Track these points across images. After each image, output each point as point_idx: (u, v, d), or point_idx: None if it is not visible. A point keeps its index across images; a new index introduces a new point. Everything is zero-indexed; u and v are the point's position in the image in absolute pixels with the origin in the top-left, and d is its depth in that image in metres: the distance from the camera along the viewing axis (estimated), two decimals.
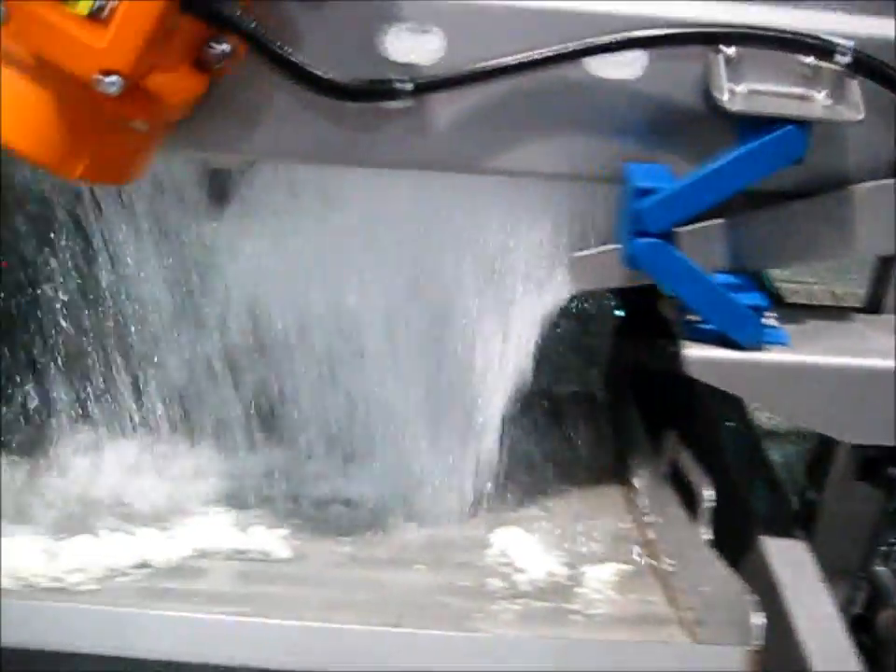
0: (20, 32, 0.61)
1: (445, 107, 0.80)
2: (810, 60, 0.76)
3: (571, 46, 0.75)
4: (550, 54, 0.75)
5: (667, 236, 0.78)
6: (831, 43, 0.73)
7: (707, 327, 0.83)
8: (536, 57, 0.75)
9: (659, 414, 1.14)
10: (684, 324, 0.85)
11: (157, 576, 0.92)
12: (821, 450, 0.99)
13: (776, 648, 0.79)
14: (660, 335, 1.24)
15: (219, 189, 0.92)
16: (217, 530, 0.99)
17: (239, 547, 0.97)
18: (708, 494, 0.89)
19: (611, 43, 0.75)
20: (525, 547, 0.98)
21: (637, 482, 1.09)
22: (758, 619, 0.75)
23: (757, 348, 0.82)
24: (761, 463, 1.07)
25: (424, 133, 0.81)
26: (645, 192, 0.77)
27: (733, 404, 1.18)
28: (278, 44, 0.70)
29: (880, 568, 1.15)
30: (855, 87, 0.75)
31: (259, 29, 0.68)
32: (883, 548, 1.13)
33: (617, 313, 1.26)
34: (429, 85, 0.76)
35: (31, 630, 0.78)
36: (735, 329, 0.81)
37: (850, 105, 0.75)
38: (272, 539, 0.98)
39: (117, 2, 0.60)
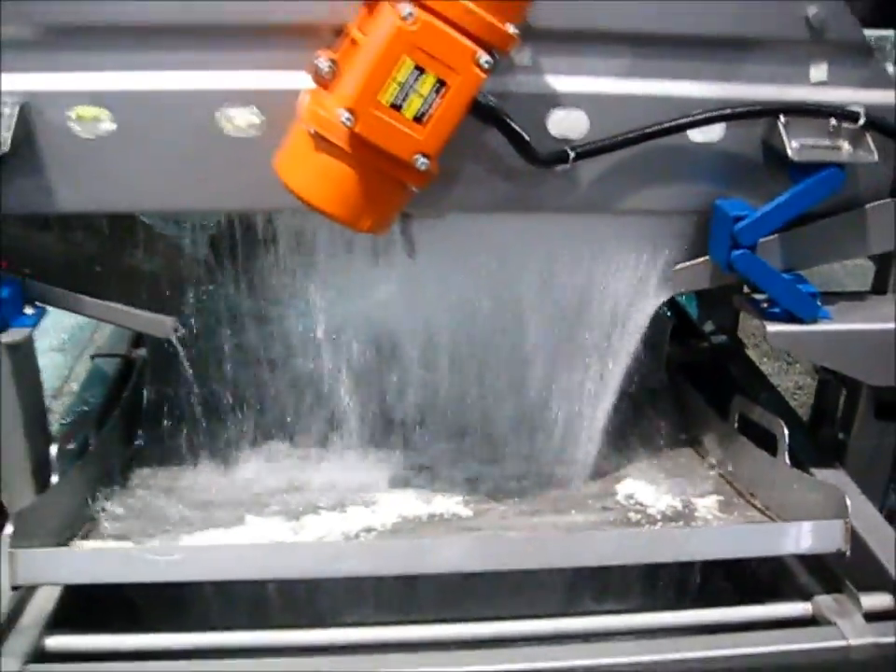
0: (367, 129, 0.90)
1: (588, 166, 1.13)
2: (835, 122, 1.12)
3: (684, 120, 1.09)
4: (668, 126, 1.09)
5: (753, 248, 1.13)
6: (852, 112, 1.09)
7: (776, 309, 1.18)
8: (658, 129, 1.09)
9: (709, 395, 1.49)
10: (756, 306, 1.20)
11: (383, 536, 1.19)
12: (838, 393, 1.35)
13: None
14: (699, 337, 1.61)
15: (409, 234, 1.22)
16: (408, 504, 1.27)
17: (432, 512, 1.25)
18: (785, 431, 1.22)
19: (709, 119, 1.10)
20: (645, 492, 1.30)
21: (706, 440, 1.43)
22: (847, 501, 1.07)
23: (814, 322, 1.17)
24: (795, 418, 1.42)
25: (573, 185, 1.14)
26: (737, 219, 1.12)
27: (762, 380, 1.55)
28: (518, 128, 1.02)
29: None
30: (868, 138, 1.12)
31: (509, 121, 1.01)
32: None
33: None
34: (585, 153, 1.09)
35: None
36: (799, 308, 1.16)
37: (866, 151, 1.12)
38: (452, 505, 1.27)
39: (432, 111, 0.91)
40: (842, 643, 1.02)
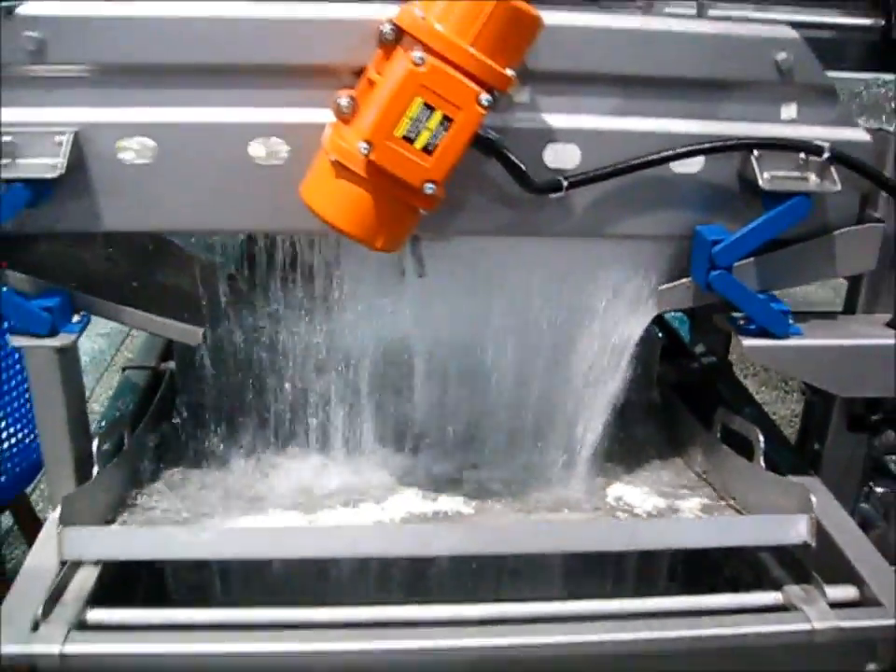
0: (382, 158, 1.03)
1: (580, 195, 1.25)
2: (803, 156, 1.24)
3: (667, 153, 1.21)
4: (653, 159, 1.21)
5: (729, 269, 1.25)
6: (819, 147, 1.22)
7: (752, 326, 1.29)
8: (644, 161, 1.22)
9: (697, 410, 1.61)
10: (734, 322, 1.31)
11: None
12: (822, 411, 1.46)
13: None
14: (690, 358, 1.73)
15: (419, 255, 1.34)
16: (415, 503, 1.38)
17: (437, 509, 1.36)
18: (761, 437, 1.33)
19: (690, 152, 1.22)
20: (633, 494, 1.41)
21: (692, 450, 1.54)
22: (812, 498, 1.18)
23: (786, 337, 1.28)
24: (774, 429, 1.52)
25: (567, 212, 1.26)
26: (714, 242, 1.24)
27: (746, 396, 1.66)
28: (516, 159, 1.14)
29: (863, 505, 1.62)
30: (832, 171, 1.24)
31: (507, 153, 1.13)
32: (865, 489, 1.61)
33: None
34: (577, 182, 1.21)
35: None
36: (772, 325, 1.27)
37: (831, 182, 1.24)
38: (456, 505, 1.38)
39: (439, 143, 1.03)
40: (807, 626, 1.12)
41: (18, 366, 1.70)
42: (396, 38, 1.08)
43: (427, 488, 1.42)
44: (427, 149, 1.04)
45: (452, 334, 1.42)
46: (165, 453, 1.49)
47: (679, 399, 1.64)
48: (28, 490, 1.95)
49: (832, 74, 1.24)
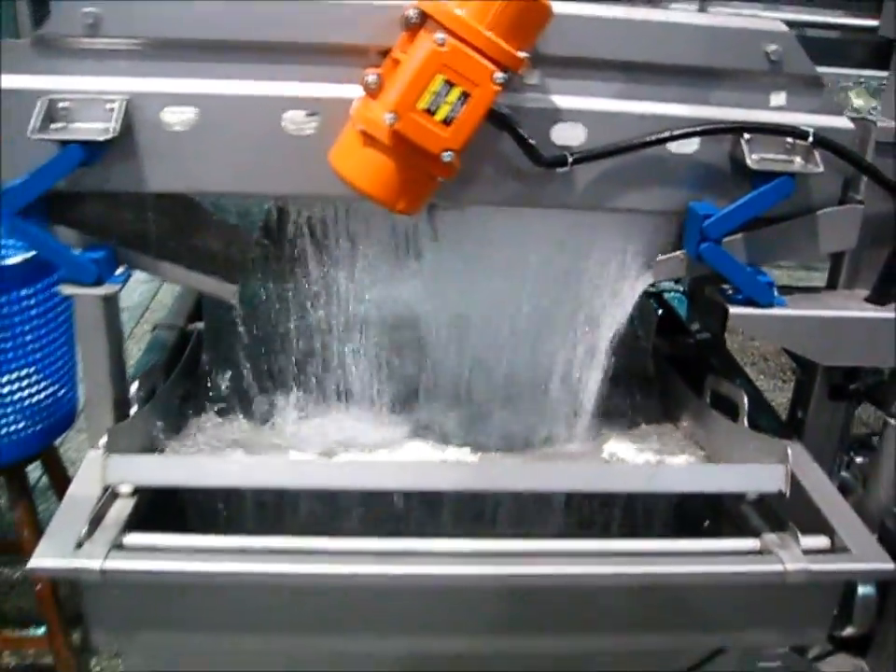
0: (406, 128, 1.14)
1: (584, 171, 1.36)
2: (789, 140, 1.35)
3: (664, 134, 1.32)
4: (652, 139, 1.32)
5: (718, 242, 1.36)
6: (805, 132, 1.32)
7: (739, 297, 1.40)
8: (643, 141, 1.33)
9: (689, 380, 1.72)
10: (723, 293, 1.42)
11: None
12: (805, 381, 1.57)
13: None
14: (686, 334, 1.83)
15: (434, 222, 1.45)
16: (424, 452, 1.50)
17: (445, 458, 1.48)
18: (746, 399, 1.44)
19: (686, 134, 1.33)
20: (626, 450, 1.52)
21: (682, 415, 1.65)
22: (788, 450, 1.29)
23: (770, 307, 1.39)
24: (760, 397, 1.63)
25: (571, 186, 1.37)
26: (705, 217, 1.35)
27: (735, 367, 1.77)
28: (526, 134, 1.26)
29: (844, 473, 1.73)
30: (816, 154, 1.34)
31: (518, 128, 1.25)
32: (846, 458, 1.72)
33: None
34: (582, 158, 1.32)
35: None
36: (757, 294, 1.38)
37: (814, 164, 1.34)
38: (461, 455, 1.49)
39: (457, 116, 1.15)
40: (779, 568, 1.24)
41: (52, 323, 1.80)
42: (420, 22, 1.19)
43: (437, 442, 1.54)
44: (446, 121, 1.15)
45: (461, 301, 1.53)
46: (192, 401, 1.61)
47: (672, 369, 1.75)
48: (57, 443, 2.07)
49: (834, 70, 1.35)
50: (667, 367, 1.78)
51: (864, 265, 1.47)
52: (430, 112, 1.14)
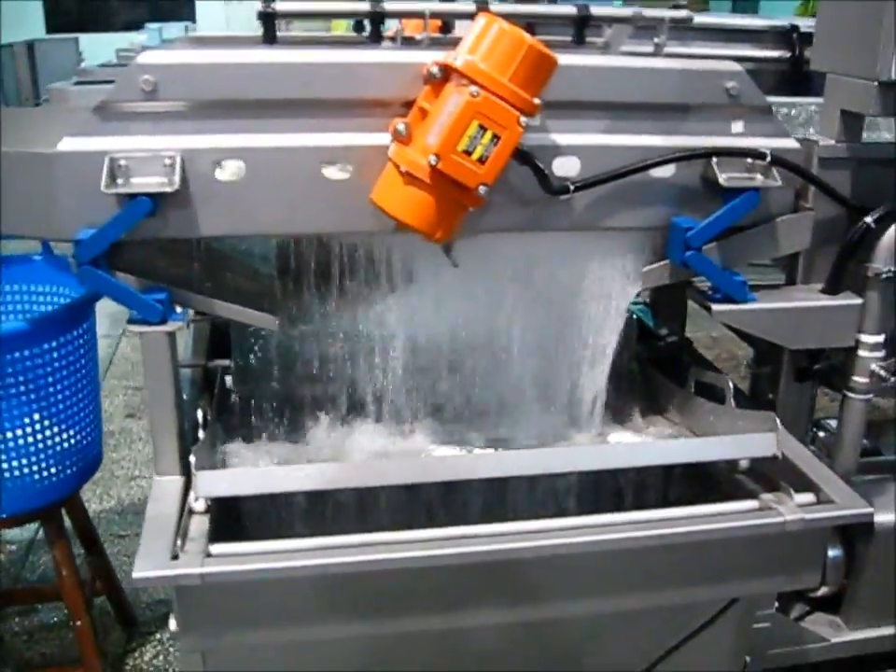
0: (448, 167, 1.34)
1: (580, 197, 1.58)
2: (750, 160, 1.60)
3: (648, 162, 1.55)
4: (636, 167, 1.55)
5: (700, 249, 1.59)
6: (763, 153, 1.58)
7: (717, 295, 1.64)
8: (630, 169, 1.55)
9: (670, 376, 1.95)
10: (704, 294, 1.66)
11: None
12: (774, 365, 1.81)
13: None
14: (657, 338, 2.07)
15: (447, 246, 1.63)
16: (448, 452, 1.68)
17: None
18: (730, 384, 1.68)
19: (665, 161, 1.56)
20: (627, 438, 1.73)
21: (670, 406, 1.87)
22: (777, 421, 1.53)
23: (744, 302, 1.63)
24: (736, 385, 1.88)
25: (572, 210, 1.59)
26: (688, 229, 1.58)
27: (707, 362, 2.01)
28: (542, 167, 1.47)
29: (810, 447, 1.97)
30: (774, 171, 1.60)
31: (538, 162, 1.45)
32: (811, 434, 1.97)
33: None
34: (581, 186, 1.54)
35: None
36: (734, 292, 1.62)
37: (773, 179, 1.60)
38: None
39: (490, 155, 1.35)
40: (780, 519, 1.46)
41: (81, 371, 1.90)
42: (443, 77, 1.40)
43: (459, 443, 1.72)
44: (481, 160, 1.35)
45: (476, 319, 1.72)
46: (233, 428, 1.75)
47: (653, 368, 1.98)
48: None
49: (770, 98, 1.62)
50: (648, 367, 2.00)
51: (817, 262, 1.73)
52: (468, 153, 1.34)
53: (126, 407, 3.54)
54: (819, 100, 1.78)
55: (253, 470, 1.47)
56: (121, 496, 3.01)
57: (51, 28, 11.17)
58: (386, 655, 1.51)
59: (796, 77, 2.79)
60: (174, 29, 8.85)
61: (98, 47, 9.37)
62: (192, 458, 1.37)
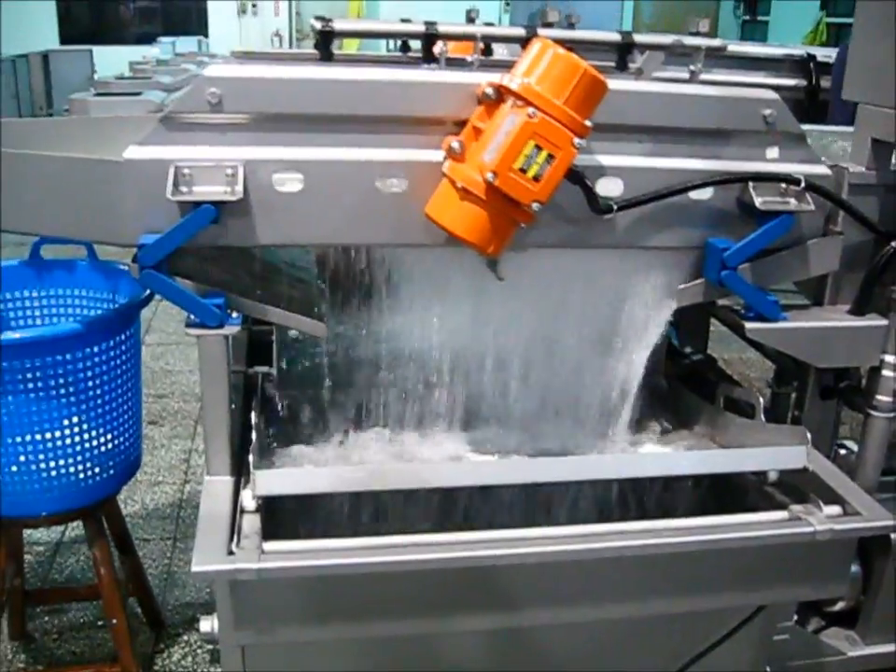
0: (504, 184, 1.40)
1: (622, 216, 1.64)
2: (784, 185, 1.67)
3: (687, 184, 1.62)
4: (676, 189, 1.62)
5: (735, 269, 1.65)
6: (797, 178, 1.64)
7: (750, 314, 1.70)
8: (670, 191, 1.62)
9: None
10: (738, 314, 1.72)
11: None
12: (800, 383, 1.87)
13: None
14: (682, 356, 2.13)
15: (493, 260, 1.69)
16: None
17: None
18: (761, 399, 1.74)
19: (705, 184, 1.63)
20: (661, 450, 1.79)
21: (699, 420, 1.93)
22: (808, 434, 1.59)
23: (776, 321, 1.70)
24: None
25: (613, 228, 1.65)
26: (724, 249, 1.64)
27: (732, 379, 2.07)
28: (592, 186, 1.53)
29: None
30: (807, 196, 1.66)
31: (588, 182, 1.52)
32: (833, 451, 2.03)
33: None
34: (624, 206, 1.61)
35: None
36: (768, 311, 1.68)
37: (806, 204, 1.66)
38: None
39: (544, 173, 1.41)
40: (810, 529, 1.51)
41: (125, 375, 1.96)
42: (498, 97, 1.46)
43: (495, 452, 1.77)
44: (536, 178, 1.41)
45: (514, 331, 1.78)
46: (278, 434, 1.80)
47: (681, 385, 2.04)
48: None
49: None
50: (676, 383, 2.06)
51: (845, 284, 1.80)
52: (523, 171, 1.41)
53: (148, 414, 3.58)
54: (836, 128, 1.86)
55: (308, 470, 1.53)
56: (145, 501, 3.06)
57: (65, 40, 11.28)
58: (437, 655, 1.56)
59: (812, 105, 2.88)
60: (187, 43, 9.01)
61: (109, 58, 9.51)
62: (251, 458, 1.42)
